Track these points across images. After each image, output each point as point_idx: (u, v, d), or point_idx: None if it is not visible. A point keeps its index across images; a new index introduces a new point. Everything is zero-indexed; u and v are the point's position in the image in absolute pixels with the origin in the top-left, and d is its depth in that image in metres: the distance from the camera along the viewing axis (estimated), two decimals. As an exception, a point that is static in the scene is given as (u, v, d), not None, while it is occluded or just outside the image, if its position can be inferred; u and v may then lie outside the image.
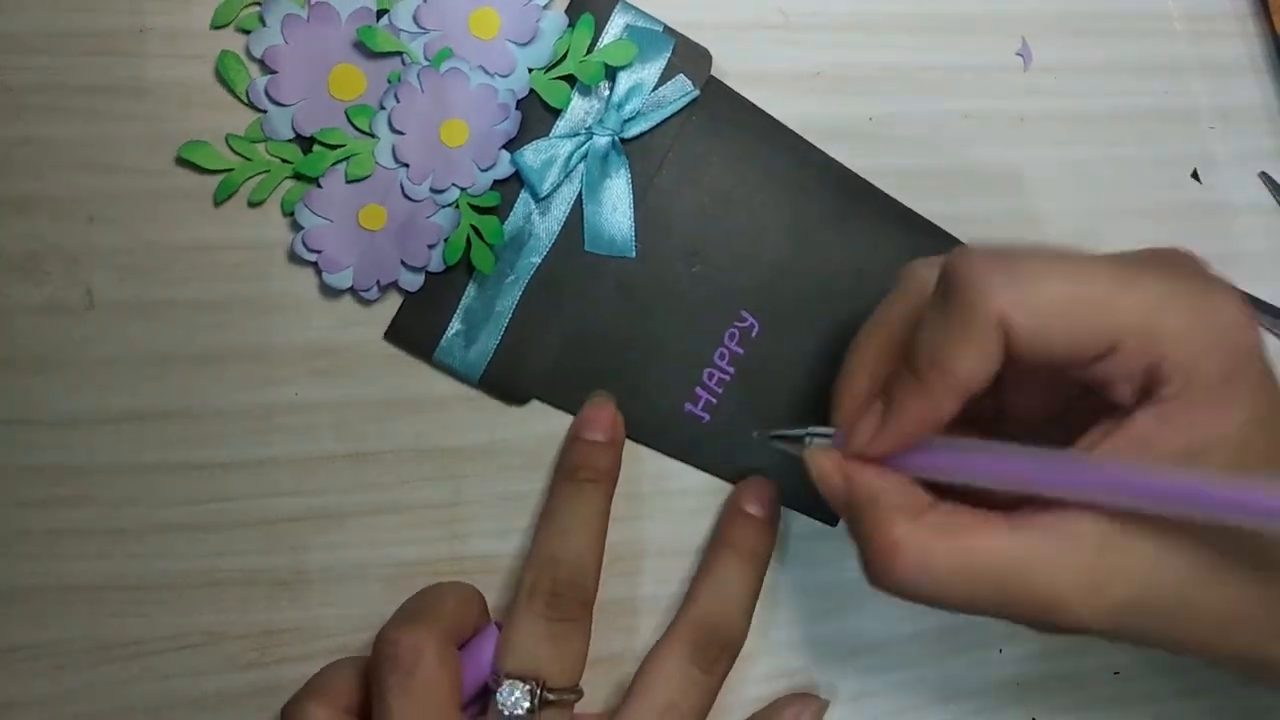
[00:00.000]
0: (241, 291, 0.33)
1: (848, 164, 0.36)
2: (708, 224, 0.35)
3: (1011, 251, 0.25)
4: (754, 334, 0.36)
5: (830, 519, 0.36)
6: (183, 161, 0.33)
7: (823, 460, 0.28)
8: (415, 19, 0.33)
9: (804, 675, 0.36)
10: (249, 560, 0.33)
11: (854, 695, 0.36)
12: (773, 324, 0.36)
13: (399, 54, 0.33)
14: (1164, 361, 0.24)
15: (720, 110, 0.35)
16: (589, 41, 0.34)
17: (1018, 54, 0.38)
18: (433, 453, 0.34)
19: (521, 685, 0.30)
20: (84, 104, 0.32)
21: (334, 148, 0.33)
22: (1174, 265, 0.26)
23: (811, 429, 0.29)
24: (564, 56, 0.34)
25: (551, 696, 0.30)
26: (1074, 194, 0.38)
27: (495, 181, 0.34)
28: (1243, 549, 0.25)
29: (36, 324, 0.32)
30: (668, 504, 0.36)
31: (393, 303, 0.34)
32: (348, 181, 0.33)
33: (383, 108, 0.33)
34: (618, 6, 0.34)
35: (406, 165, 0.33)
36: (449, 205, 0.33)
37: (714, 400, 0.35)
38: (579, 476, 0.33)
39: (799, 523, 0.36)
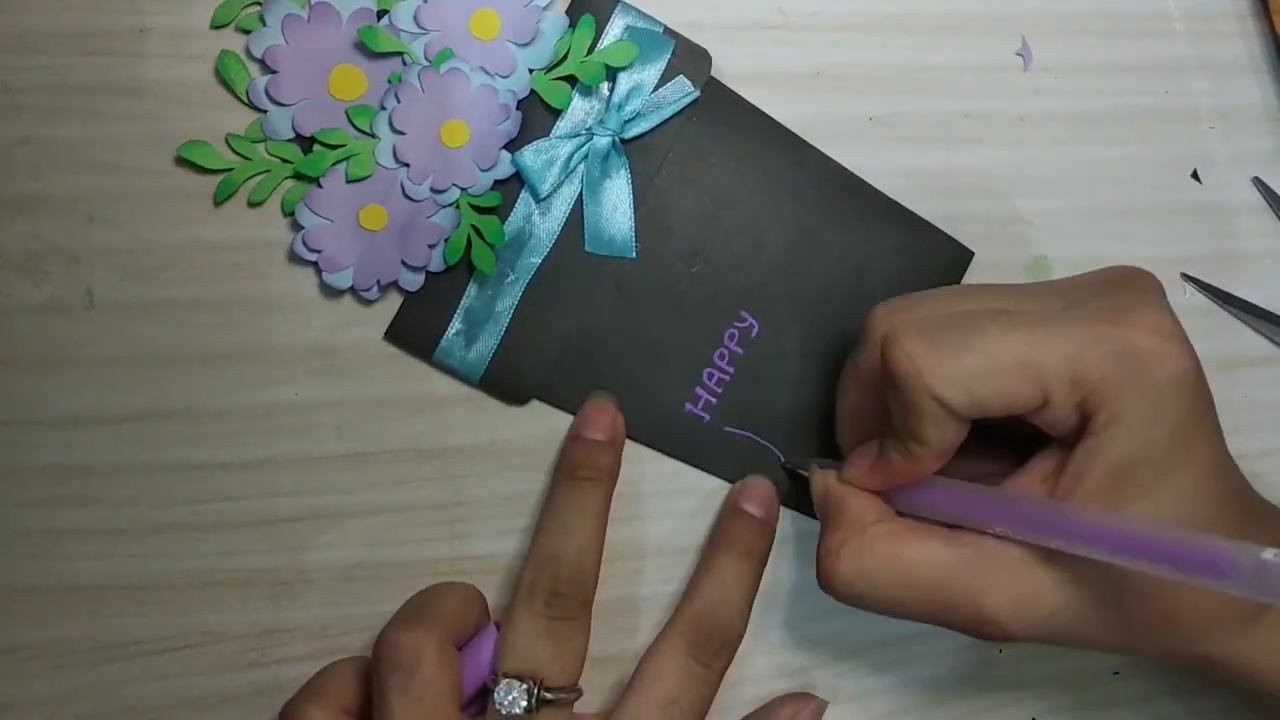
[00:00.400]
0: (241, 291, 0.33)
1: (848, 164, 0.36)
2: (708, 224, 0.35)
3: (934, 325, 0.28)
4: (754, 334, 0.36)
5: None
6: (183, 161, 0.33)
7: (818, 475, 0.32)
8: (416, 19, 0.33)
9: (804, 675, 0.36)
10: (249, 560, 0.33)
11: (854, 695, 0.36)
12: (773, 324, 0.36)
13: (400, 54, 0.33)
14: (1089, 400, 0.27)
15: (720, 111, 0.35)
16: (589, 42, 0.34)
17: (1018, 54, 0.38)
18: (433, 453, 0.34)
19: (519, 684, 0.30)
20: (84, 104, 0.32)
21: (334, 148, 0.33)
22: (1110, 297, 0.28)
23: (821, 460, 0.34)
24: (564, 57, 0.34)
25: (550, 696, 0.30)
26: (1074, 194, 0.38)
27: (496, 182, 0.34)
28: (1147, 578, 0.27)
29: (36, 324, 0.32)
30: (668, 504, 0.36)
31: (393, 303, 0.34)
32: (348, 181, 0.33)
33: (383, 108, 0.33)
34: (618, 7, 0.34)
35: (407, 165, 0.33)
36: (449, 205, 0.33)
37: (714, 400, 0.35)
38: (579, 475, 0.33)
39: (799, 523, 0.36)
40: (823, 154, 0.36)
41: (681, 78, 0.34)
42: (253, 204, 0.33)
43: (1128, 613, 0.28)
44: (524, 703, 0.30)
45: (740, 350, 0.36)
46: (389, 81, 0.33)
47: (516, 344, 0.34)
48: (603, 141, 0.34)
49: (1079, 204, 0.38)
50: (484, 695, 0.31)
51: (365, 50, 0.33)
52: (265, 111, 0.33)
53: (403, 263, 0.33)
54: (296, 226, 0.33)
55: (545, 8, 0.34)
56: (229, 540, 0.33)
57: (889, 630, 0.37)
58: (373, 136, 0.33)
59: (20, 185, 0.32)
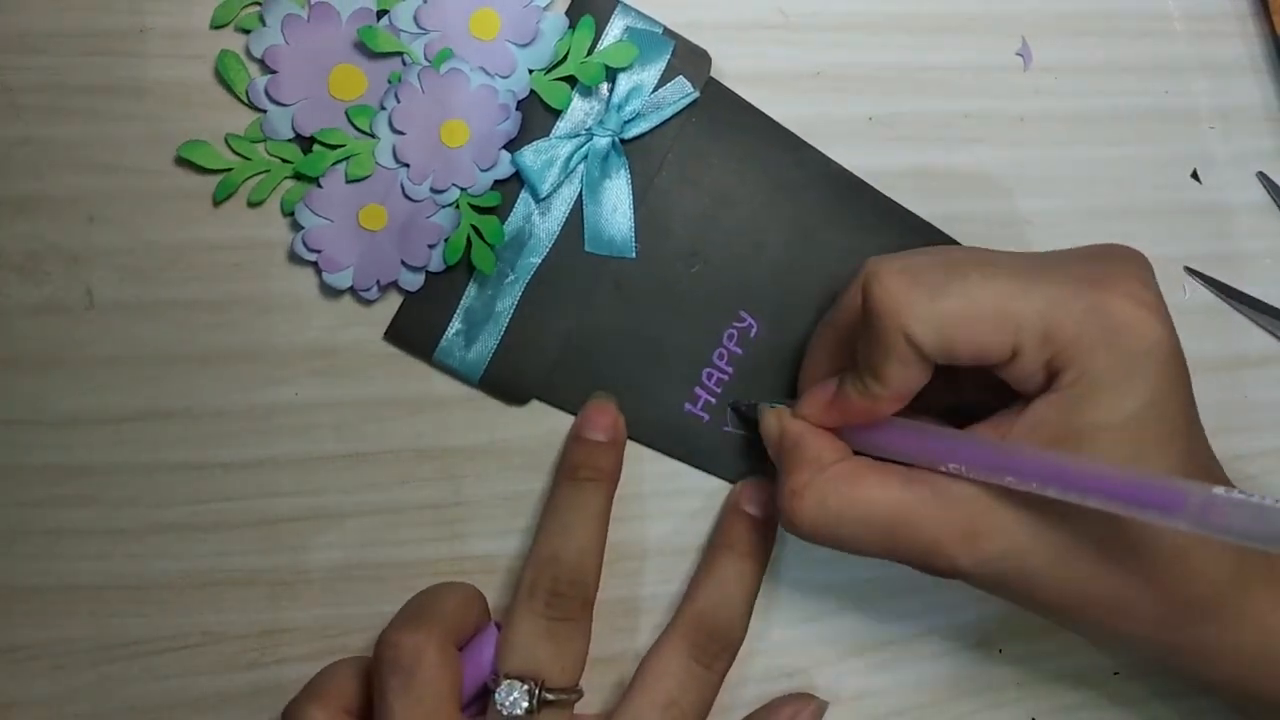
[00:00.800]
0: (241, 291, 0.33)
1: (848, 164, 0.36)
2: (707, 224, 0.35)
3: (918, 267, 0.28)
4: (753, 334, 0.36)
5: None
6: (182, 161, 0.33)
7: (769, 415, 0.32)
8: (416, 19, 0.33)
9: (804, 675, 0.36)
10: (249, 560, 0.33)
11: (854, 695, 0.36)
12: (772, 324, 0.36)
13: (399, 54, 0.33)
14: (1058, 356, 0.27)
15: (720, 111, 0.35)
16: (589, 43, 0.34)
17: (1018, 54, 0.38)
18: (433, 453, 0.34)
19: (520, 685, 0.30)
20: (84, 104, 0.32)
21: (334, 148, 0.33)
22: (1094, 264, 0.28)
23: (774, 402, 0.33)
24: (564, 58, 0.34)
25: (551, 696, 0.30)
26: (1074, 194, 0.38)
27: (495, 182, 0.34)
28: (1110, 534, 0.27)
29: (36, 324, 0.32)
30: (668, 504, 0.36)
31: (393, 303, 0.34)
32: (348, 181, 0.33)
33: (383, 108, 0.33)
34: (618, 8, 0.34)
35: (407, 165, 0.33)
36: (449, 205, 0.33)
37: (713, 400, 0.36)
38: (580, 476, 0.33)
39: (799, 523, 0.36)
40: (822, 154, 0.36)
41: (681, 78, 0.34)
42: (253, 204, 0.33)
43: (1082, 573, 0.28)
44: (525, 703, 0.30)
45: (740, 350, 0.36)
46: (389, 81, 0.33)
47: (516, 344, 0.34)
48: (602, 142, 0.34)
49: (1079, 204, 0.38)
50: (484, 695, 0.31)
51: (365, 50, 0.33)
52: (265, 111, 0.33)
53: (403, 263, 0.33)
54: (296, 226, 0.33)
55: (545, 8, 0.34)
56: (229, 540, 0.33)
57: (889, 630, 0.37)
58: (373, 136, 0.33)
59: (20, 185, 0.32)
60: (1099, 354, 0.27)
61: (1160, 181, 0.38)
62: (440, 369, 0.34)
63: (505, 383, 0.34)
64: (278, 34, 0.32)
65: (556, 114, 0.34)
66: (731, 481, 0.36)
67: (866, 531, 0.29)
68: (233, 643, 0.33)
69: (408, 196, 0.33)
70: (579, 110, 0.34)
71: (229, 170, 0.33)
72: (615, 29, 0.34)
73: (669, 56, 0.34)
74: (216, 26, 0.33)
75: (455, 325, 0.34)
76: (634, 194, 0.35)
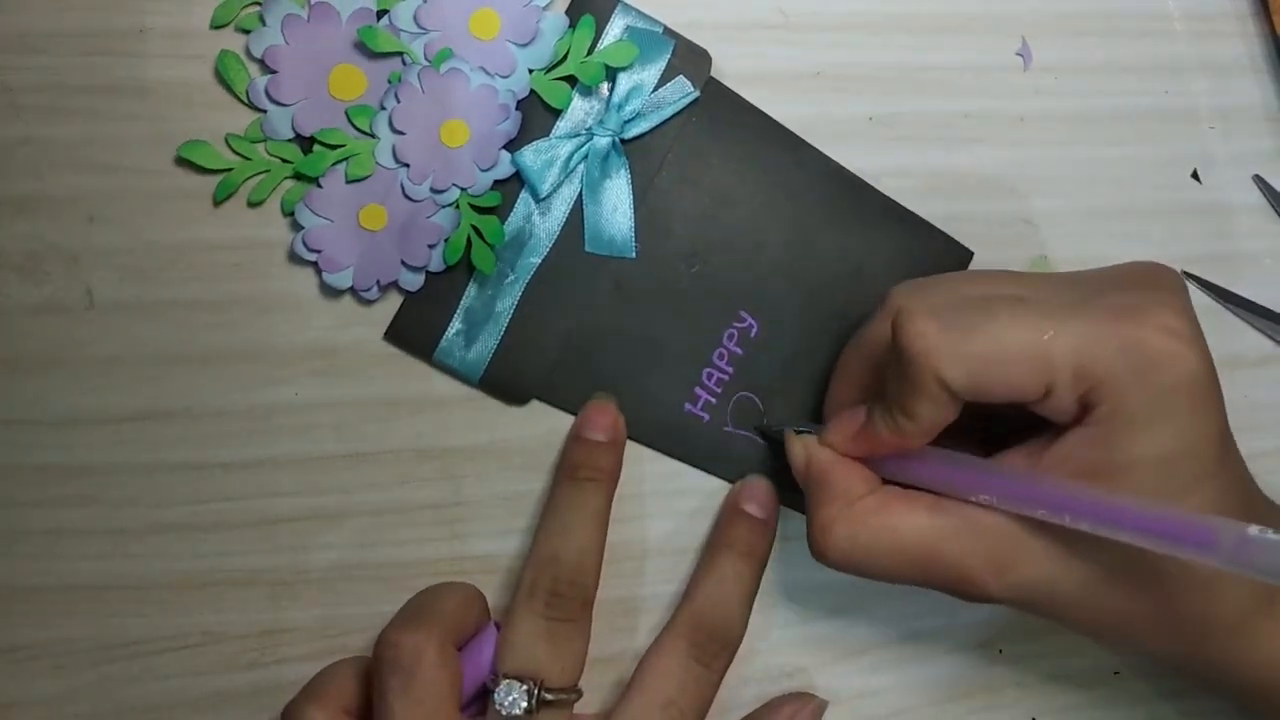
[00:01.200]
0: (241, 291, 0.33)
1: (848, 164, 0.36)
2: (708, 224, 0.35)
3: (947, 306, 0.28)
4: (753, 334, 0.36)
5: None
6: (183, 161, 0.33)
7: (796, 442, 0.32)
8: (416, 19, 0.33)
9: (804, 675, 0.36)
10: (249, 560, 0.33)
11: (854, 695, 0.36)
12: (772, 324, 0.36)
13: (399, 54, 0.33)
14: (1092, 392, 0.27)
15: (720, 111, 0.35)
16: (589, 42, 0.34)
17: (1018, 54, 0.38)
18: (433, 453, 0.34)
19: (519, 685, 0.30)
20: (84, 104, 0.32)
21: (334, 148, 0.33)
22: (1127, 293, 0.28)
23: (800, 425, 0.33)
24: (564, 57, 0.34)
25: (550, 696, 0.30)
26: (1074, 194, 0.38)
27: (496, 182, 0.34)
28: (1138, 561, 0.27)
29: (36, 324, 0.32)
30: (668, 504, 0.36)
31: (393, 303, 0.34)
32: (348, 181, 0.33)
33: (383, 108, 0.33)
34: (618, 7, 0.34)
35: (407, 165, 0.33)
36: (449, 205, 0.33)
37: (713, 400, 0.35)
38: (580, 476, 0.33)
39: (799, 523, 0.36)
40: (823, 154, 0.36)
41: (681, 78, 0.34)
42: (253, 204, 0.33)
43: (1114, 598, 0.28)
44: (524, 703, 0.30)
45: (740, 350, 0.36)
46: (389, 81, 0.33)
47: (516, 344, 0.34)
48: (603, 141, 0.34)
49: (1079, 204, 0.38)
50: (484, 695, 0.31)
51: (365, 50, 0.33)
52: (265, 111, 0.33)
53: (403, 263, 0.33)
54: (296, 226, 0.33)
55: (545, 8, 0.34)
56: (229, 540, 0.33)
57: (889, 630, 0.37)
58: (373, 136, 0.33)
59: (20, 185, 0.32)
60: (1132, 390, 0.26)
61: (1160, 181, 0.38)
62: (440, 369, 0.34)
63: (505, 383, 0.34)
64: (278, 34, 0.32)
65: (556, 114, 0.34)
66: (731, 481, 0.36)
67: (897, 562, 0.29)
68: (233, 643, 0.33)
69: (408, 196, 0.33)
70: (579, 110, 0.34)
71: (229, 170, 0.33)
72: (615, 28, 0.34)
73: (669, 56, 0.34)
74: (216, 26, 0.33)
75: (455, 325, 0.34)
76: (634, 194, 0.35)
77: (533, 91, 0.34)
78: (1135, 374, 0.26)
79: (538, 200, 0.34)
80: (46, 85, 0.32)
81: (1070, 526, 0.26)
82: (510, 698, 0.30)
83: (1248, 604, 0.28)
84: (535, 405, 0.35)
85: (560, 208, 0.34)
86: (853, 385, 0.33)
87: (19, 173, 0.32)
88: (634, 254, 0.35)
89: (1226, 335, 0.39)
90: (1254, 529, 0.23)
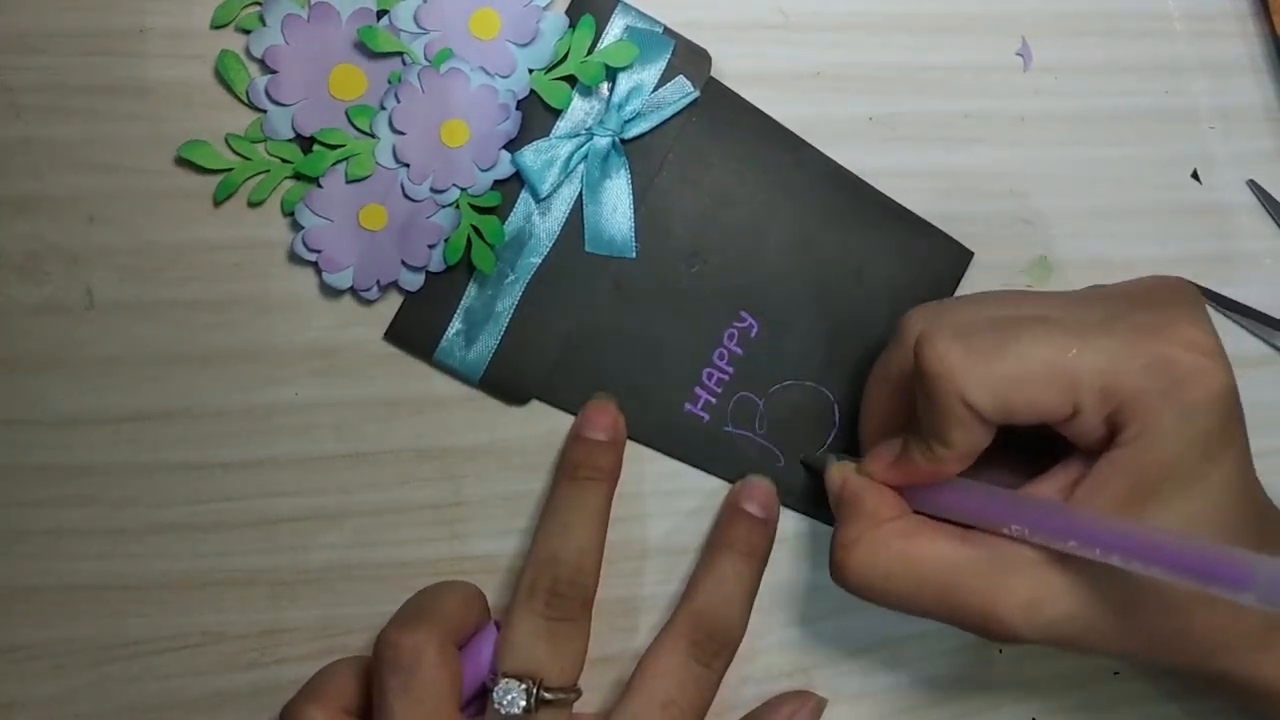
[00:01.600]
0: (241, 291, 0.33)
1: (848, 164, 0.36)
2: (708, 224, 0.35)
3: (969, 328, 0.28)
4: (753, 334, 0.36)
5: (830, 519, 0.36)
6: (183, 161, 0.33)
7: (835, 467, 0.32)
8: (416, 19, 0.33)
9: (804, 675, 0.36)
10: (249, 560, 0.33)
11: (854, 695, 0.36)
12: (772, 324, 0.36)
13: (399, 54, 0.33)
14: (1119, 411, 0.27)
15: (720, 111, 0.35)
16: (589, 42, 0.34)
17: (1018, 54, 0.38)
18: (433, 453, 0.34)
19: (518, 684, 0.30)
20: (84, 104, 0.32)
21: (334, 148, 0.33)
22: (1150, 311, 0.28)
23: (839, 454, 0.34)
24: (564, 57, 0.34)
25: (549, 696, 0.30)
26: (1074, 194, 0.38)
27: (496, 182, 0.34)
28: (1167, 588, 0.27)
29: (36, 324, 0.32)
30: (668, 504, 0.36)
31: (393, 303, 0.34)
32: (348, 181, 0.33)
33: (383, 108, 0.33)
34: (618, 7, 0.34)
35: (407, 165, 0.33)
36: (449, 205, 0.33)
37: (713, 400, 0.36)
38: (580, 475, 0.33)
39: (799, 523, 0.36)
40: (823, 154, 0.36)
41: (681, 78, 0.34)
42: (253, 204, 0.33)
43: (1141, 623, 0.28)
44: (523, 703, 0.30)
45: (740, 350, 0.36)
46: (389, 81, 0.33)
47: (516, 344, 0.34)
48: (603, 142, 0.34)
49: (1079, 204, 0.38)
50: (484, 695, 0.31)
51: (365, 50, 0.33)
52: (265, 111, 0.33)
53: (403, 263, 0.33)
54: (296, 226, 0.33)
55: (545, 8, 0.34)
56: (229, 540, 0.33)
57: (889, 630, 0.37)
58: (373, 136, 0.33)
59: (20, 185, 0.32)
60: (1161, 409, 0.26)
61: (1160, 181, 0.38)
62: (440, 369, 0.34)
63: (505, 383, 0.34)
64: (278, 34, 0.32)
65: (556, 114, 0.34)
66: (731, 481, 0.36)
67: (918, 590, 0.29)
68: (233, 643, 0.33)
69: (408, 196, 0.33)
70: (579, 110, 0.34)
71: (229, 170, 0.33)
72: (615, 28, 0.34)
73: (669, 56, 0.34)
74: (216, 26, 0.33)
75: (455, 325, 0.34)
76: (634, 194, 0.35)
77: (533, 91, 0.34)
78: (1164, 391, 0.26)
79: (538, 200, 0.34)
80: (46, 85, 0.32)
81: (1100, 559, 0.26)
82: (509, 697, 0.30)
83: (1274, 617, 0.28)
84: (535, 405, 0.35)
85: (560, 208, 0.34)
86: (882, 416, 0.33)
87: (19, 173, 0.32)
88: (634, 254, 0.35)
89: (1225, 336, 0.38)
90: None
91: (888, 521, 0.30)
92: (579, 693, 0.31)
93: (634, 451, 0.35)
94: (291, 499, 0.34)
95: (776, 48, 0.36)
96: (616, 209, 0.35)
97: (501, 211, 0.34)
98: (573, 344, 0.35)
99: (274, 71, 0.32)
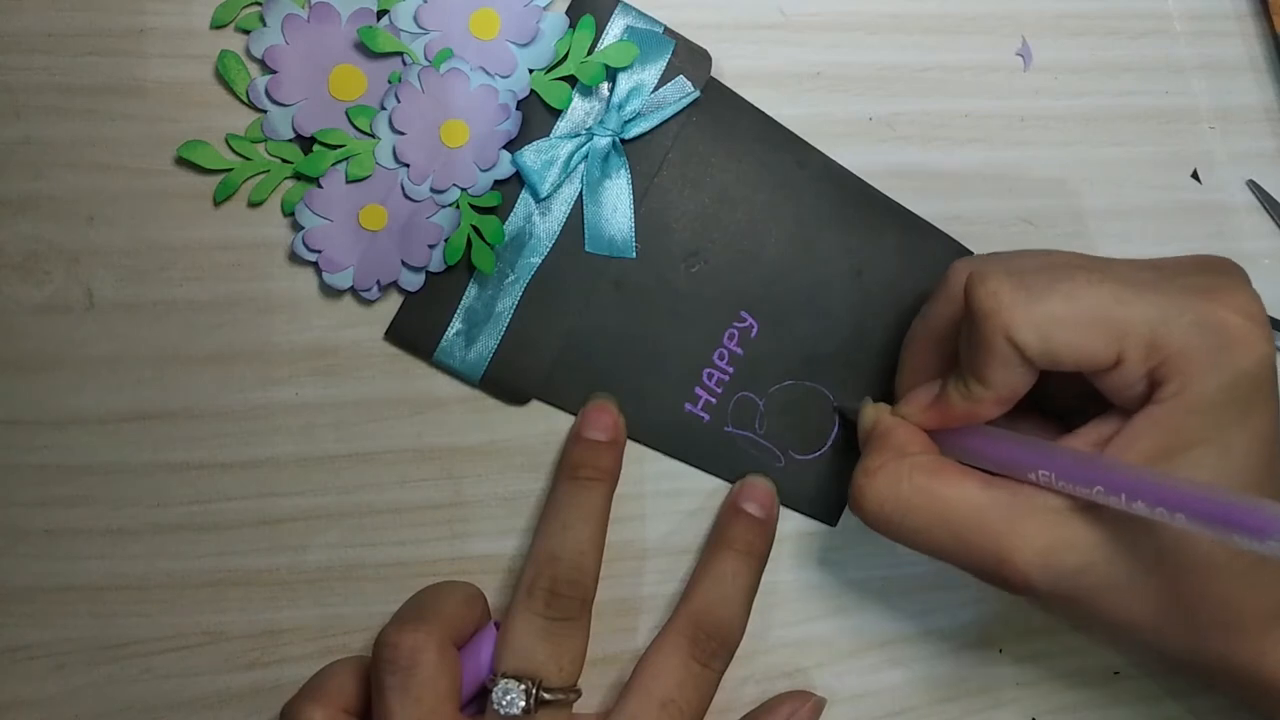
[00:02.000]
0: (241, 291, 0.33)
1: (848, 164, 0.36)
2: (708, 224, 0.35)
3: (1022, 269, 0.27)
4: (753, 334, 0.36)
5: (830, 518, 0.36)
6: (182, 161, 0.33)
7: (869, 408, 0.32)
8: (416, 19, 0.33)
9: (804, 675, 0.36)
10: (249, 560, 0.33)
11: (854, 695, 0.36)
12: (772, 325, 0.36)
13: (400, 54, 0.33)
14: (1163, 366, 0.26)
15: (720, 111, 0.35)
16: (589, 42, 0.34)
17: (1018, 54, 0.38)
18: (433, 453, 0.34)
19: (517, 685, 0.30)
20: (84, 104, 0.32)
21: (334, 148, 0.33)
22: (1201, 276, 0.28)
23: (876, 403, 0.33)
24: (564, 57, 0.34)
25: (548, 696, 0.30)
26: (1074, 194, 0.38)
27: (496, 182, 0.34)
28: (1183, 552, 0.27)
29: (36, 324, 0.32)
30: (667, 504, 0.36)
31: (393, 303, 0.34)
32: (348, 181, 0.33)
33: (383, 108, 0.33)
34: (618, 7, 0.34)
35: (407, 165, 0.33)
36: (449, 205, 0.33)
37: (713, 400, 0.35)
38: (580, 475, 0.33)
39: (799, 523, 0.36)
40: (823, 154, 0.36)
41: (681, 78, 0.34)
42: (253, 204, 0.33)
43: (1155, 587, 0.27)
44: (522, 703, 0.30)
45: (740, 350, 0.36)
46: (389, 81, 0.33)
47: (516, 344, 0.34)
48: (603, 142, 0.34)
49: (1079, 204, 0.38)
50: (484, 695, 0.31)
51: (365, 50, 0.33)
52: (265, 111, 0.33)
53: (403, 263, 0.33)
54: (296, 226, 0.33)
55: (545, 8, 0.34)
56: (229, 540, 0.33)
57: (889, 630, 0.37)
58: (373, 136, 0.33)
59: (20, 185, 0.32)
60: (1206, 367, 0.26)
61: (1160, 181, 0.38)
62: (440, 369, 0.34)
63: (505, 383, 0.34)
64: (278, 34, 0.32)
65: (557, 114, 0.34)
66: (731, 481, 0.36)
67: (935, 525, 0.28)
68: (233, 643, 0.33)
69: (408, 196, 0.33)
70: (579, 110, 0.34)
71: (229, 170, 0.33)
72: (615, 28, 0.34)
73: (669, 56, 0.34)
74: (216, 26, 0.33)
75: (455, 325, 0.34)
76: (634, 194, 0.35)
77: (533, 91, 0.34)
78: (1210, 350, 0.26)
79: (538, 200, 0.34)
80: (46, 85, 0.32)
81: (1124, 508, 0.25)
82: (508, 697, 0.30)
83: (1278, 599, 0.28)
84: (535, 405, 0.35)
85: (560, 208, 0.34)
86: (922, 365, 0.32)
87: (19, 173, 0.32)
88: (634, 254, 0.35)
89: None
90: None
91: (913, 455, 0.29)
92: (578, 693, 0.31)
93: (634, 451, 0.35)
94: (291, 499, 0.34)
95: (776, 48, 0.36)
96: (616, 209, 0.35)
97: (501, 211, 0.34)
98: (573, 344, 0.35)
99: (274, 71, 0.32)
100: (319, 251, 0.33)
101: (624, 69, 0.34)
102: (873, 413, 0.32)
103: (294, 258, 0.33)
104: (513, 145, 0.34)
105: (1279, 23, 0.38)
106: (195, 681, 0.33)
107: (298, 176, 0.33)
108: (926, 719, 0.37)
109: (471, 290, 0.34)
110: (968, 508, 0.28)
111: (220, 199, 0.33)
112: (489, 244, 0.33)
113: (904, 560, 0.36)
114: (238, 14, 0.33)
